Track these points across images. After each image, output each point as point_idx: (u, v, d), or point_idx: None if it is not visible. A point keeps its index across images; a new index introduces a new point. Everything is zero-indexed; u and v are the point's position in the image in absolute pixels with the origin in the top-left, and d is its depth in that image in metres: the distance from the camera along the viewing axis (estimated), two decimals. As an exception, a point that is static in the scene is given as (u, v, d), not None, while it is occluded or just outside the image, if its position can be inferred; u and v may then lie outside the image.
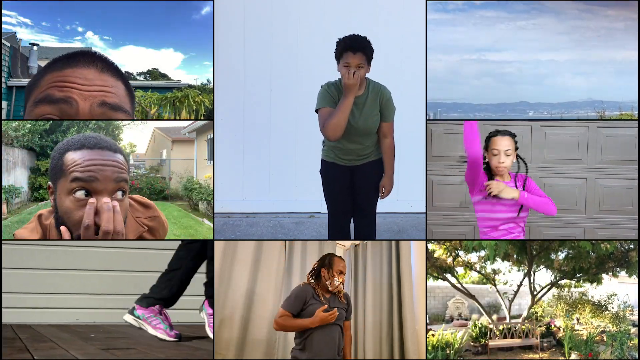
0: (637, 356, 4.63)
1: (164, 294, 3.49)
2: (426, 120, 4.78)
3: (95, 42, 12.08)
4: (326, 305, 2.70)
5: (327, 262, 2.85)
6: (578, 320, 6.52)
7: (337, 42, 3.19)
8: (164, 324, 3.42)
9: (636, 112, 4.97)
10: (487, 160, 2.96)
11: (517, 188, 2.91)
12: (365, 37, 3.18)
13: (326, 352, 2.69)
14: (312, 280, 2.84)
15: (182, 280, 3.52)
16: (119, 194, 1.64)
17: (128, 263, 4.31)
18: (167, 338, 3.39)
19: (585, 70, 5.28)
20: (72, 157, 1.62)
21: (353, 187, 3.43)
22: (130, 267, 4.23)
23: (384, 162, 3.42)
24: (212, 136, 9.44)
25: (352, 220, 3.52)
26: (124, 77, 1.57)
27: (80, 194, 1.59)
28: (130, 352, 2.74)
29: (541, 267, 6.31)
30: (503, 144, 2.90)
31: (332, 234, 3.48)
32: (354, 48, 3.11)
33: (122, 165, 1.66)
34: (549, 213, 2.92)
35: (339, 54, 3.18)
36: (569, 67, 5.28)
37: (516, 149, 2.96)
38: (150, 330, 3.41)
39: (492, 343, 5.28)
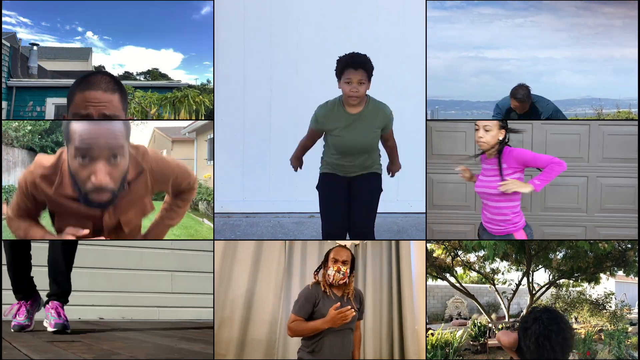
0: (636, 355, 4.65)
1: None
2: (426, 119, 4.79)
3: (95, 42, 12.06)
4: (339, 304, 2.55)
5: (325, 254, 2.76)
6: (576, 319, 6.55)
7: (337, 60, 3.21)
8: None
9: (634, 110, 4.97)
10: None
11: (527, 182, 2.94)
12: (365, 55, 3.20)
13: (337, 357, 2.60)
14: (321, 279, 2.73)
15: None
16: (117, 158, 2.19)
17: (84, 260, 4.24)
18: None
19: (583, 68, 5.29)
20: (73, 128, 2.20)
21: (349, 200, 3.37)
22: (87, 264, 4.20)
23: (388, 156, 3.52)
24: (212, 136, 9.44)
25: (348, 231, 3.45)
26: (121, 89, 2.29)
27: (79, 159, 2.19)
28: (74, 345, 2.73)
29: (540, 266, 6.33)
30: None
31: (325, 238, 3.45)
32: (355, 64, 3.13)
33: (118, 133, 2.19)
34: (562, 171, 2.96)
35: (339, 72, 3.19)
36: (567, 64, 5.29)
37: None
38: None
39: (491, 342, 5.30)
